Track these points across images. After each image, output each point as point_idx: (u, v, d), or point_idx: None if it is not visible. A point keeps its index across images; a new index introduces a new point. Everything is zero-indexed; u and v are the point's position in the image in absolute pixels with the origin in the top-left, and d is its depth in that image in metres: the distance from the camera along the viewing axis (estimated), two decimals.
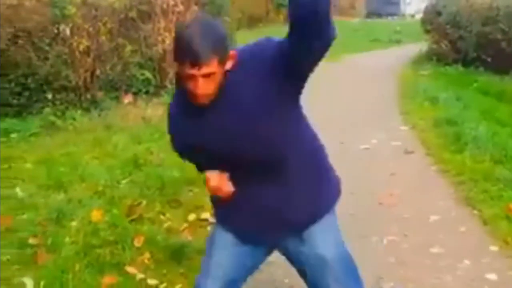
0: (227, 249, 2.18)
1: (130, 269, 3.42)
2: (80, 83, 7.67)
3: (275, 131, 1.94)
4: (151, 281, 3.33)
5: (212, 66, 1.78)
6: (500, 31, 10.52)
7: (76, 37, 7.57)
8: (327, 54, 1.85)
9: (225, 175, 2.01)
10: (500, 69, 10.19)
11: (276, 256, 2.36)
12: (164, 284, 3.32)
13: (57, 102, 7.45)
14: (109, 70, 8.08)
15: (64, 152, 5.92)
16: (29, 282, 3.25)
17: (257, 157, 1.96)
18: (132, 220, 4.09)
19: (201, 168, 2.14)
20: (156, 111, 7.28)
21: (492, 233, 3.93)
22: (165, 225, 4.13)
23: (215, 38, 1.79)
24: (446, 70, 11.28)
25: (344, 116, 7.78)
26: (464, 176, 4.99)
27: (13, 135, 6.56)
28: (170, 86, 8.29)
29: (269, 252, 2.29)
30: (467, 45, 11.36)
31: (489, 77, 10.24)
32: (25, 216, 4.17)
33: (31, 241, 3.74)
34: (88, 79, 7.78)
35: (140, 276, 3.37)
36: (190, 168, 2.63)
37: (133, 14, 8.31)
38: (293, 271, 2.34)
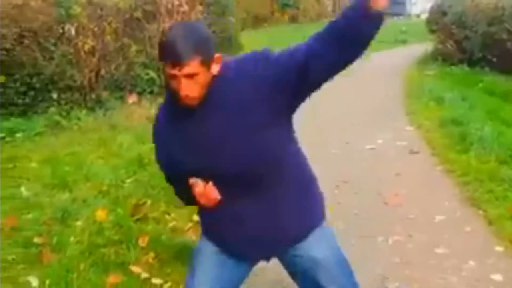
0: (210, 258, 2.14)
1: (135, 269, 3.42)
2: (85, 82, 7.70)
3: (258, 144, 1.90)
4: (156, 281, 3.33)
5: (193, 67, 1.77)
6: (505, 31, 10.48)
7: (81, 37, 7.60)
8: None
9: (210, 183, 1.96)
10: (506, 69, 10.16)
11: None
12: (169, 284, 3.32)
13: (62, 102, 7.49)
14: (114, 70, 8.11)
15: (69, 151, 5.93)
16: (34, 281, 3.26)
17: (236, 170, 1.91)
18: (137, 220, 4.09)
19: (180, 188, 2.11)
20: None
21: (497, 234, 3.91)
22: (170, 224, 4.13)
23: (197, 39, 1.79)
24: (452, 70, 11.26)
25: (350, 116, 7.78)
26: (470, 176, 4.97)
27: (18, 135, 6.58)
28: None
29: (254, 265, 2.24)
30: (472, 45, 11.34)
31: (495, 77, 10.21)
32: (30, 216, 4.18)
33: (36, 240, 3.75)
34: (93, 79, 7.81)
35: (144, 275, 3.37)
36: None
37: (138, 14, 8.33)
38: None
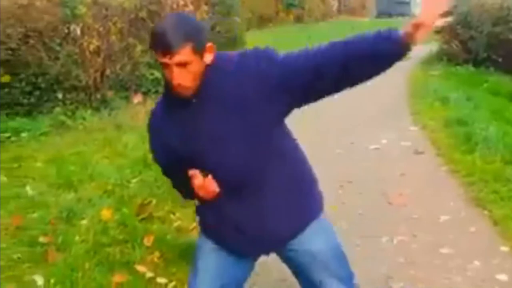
0: (210, 255, 2.15)
1: (140, 268, 3.43)
2: (90, 82, 7.71)
3: (256, 142, 1.91)
4: (161, 280, 3.34)
5: (184, 55, 1.77)
6: (511, 31, 10.46)
7: (86, 37, 7.61)
8: None
9: (209, 175, 1.95)
10: (511, 69, 10.13)
11: None
12: (173, 283, 3.32)
13: (67, 102, 7.50)
14: (119, 69, 8.13)
15: (74, 151, 5.95)
16: (39, 280, 3.27)
17: (231, 166, 1.92)
18: (142, 219, 4.10)
19: (177, 180, 2.13)
20: None
21: (503, 234, 3.91)
22: (175, 224, 4.14)
23: (188, 28, 1.80)
24: (457, 70, 11.23)
25: (354, 116, 7.77)
26: (474, 176, 4.97)
27: (24, 134, 6.59)
28: None
29: (256, 260, 2.24)
30: (477, 45, 11.32)
31: (500, 77, 10.19)
32: (35, 215, 4.19)
33: (42, 239, 3.76)
34: (98, 79, 7.82)
35: (149, 274, 3.38)
36: None
37: (143, 14, 8.35)
38: None
